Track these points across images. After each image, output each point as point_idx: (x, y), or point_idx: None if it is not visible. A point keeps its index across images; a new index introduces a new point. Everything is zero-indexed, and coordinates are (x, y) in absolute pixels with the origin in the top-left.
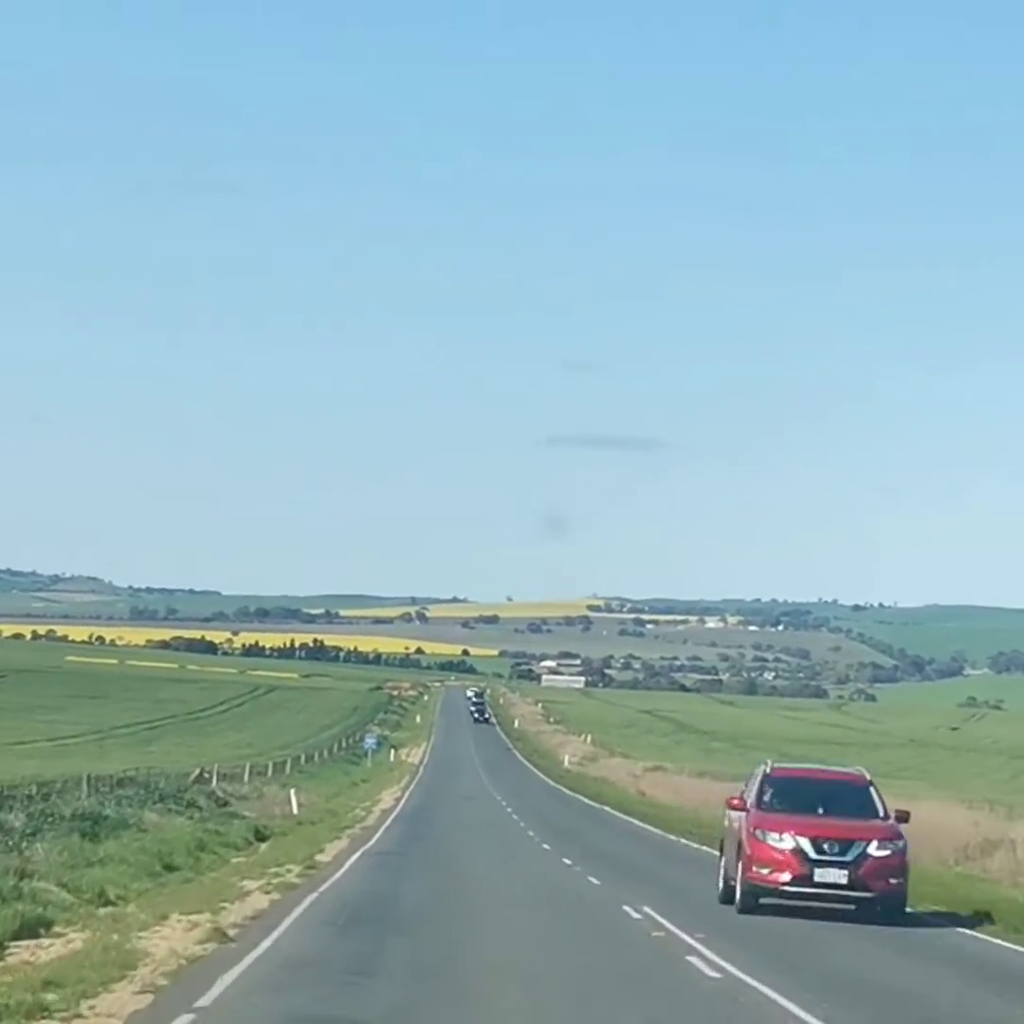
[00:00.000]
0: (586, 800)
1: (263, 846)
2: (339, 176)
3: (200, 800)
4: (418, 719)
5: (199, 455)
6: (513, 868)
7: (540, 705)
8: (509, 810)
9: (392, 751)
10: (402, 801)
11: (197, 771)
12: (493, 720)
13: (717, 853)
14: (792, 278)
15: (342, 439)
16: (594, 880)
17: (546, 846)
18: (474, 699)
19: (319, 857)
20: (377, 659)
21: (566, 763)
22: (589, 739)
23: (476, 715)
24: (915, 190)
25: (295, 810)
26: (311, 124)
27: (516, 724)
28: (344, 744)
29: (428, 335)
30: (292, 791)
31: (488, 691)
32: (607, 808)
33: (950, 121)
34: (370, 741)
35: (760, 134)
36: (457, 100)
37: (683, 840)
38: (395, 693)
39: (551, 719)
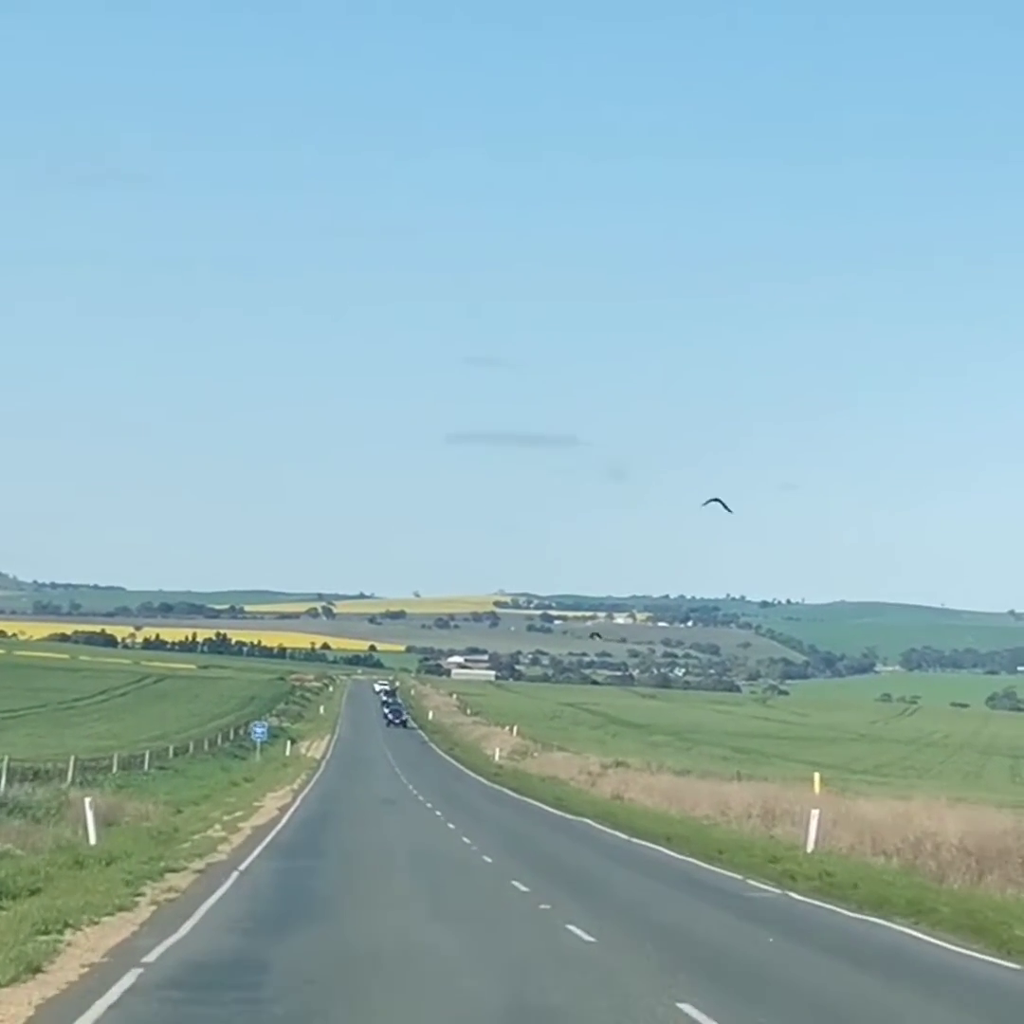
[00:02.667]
0: (547, 808)
1: None
2: (244, 170)
3: None
4: (322, 710)
5: (105, 451)
6: None
7: (454, 696)
8: (451, 826)
9: (289, 744)
10: (291, 809)
11: None
12: (411, 722)
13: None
14: (696, 279)
15: (248, 436)
16: None
17: (583, 934)
18: (385, 696)
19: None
20: (282, 653)
21: (497, 758)
22: (515, 731)
23: (390, 716)
24: (816, 195)
25: (91, 836)
26: (212, 118)
27: (430, 716)
28: (232, 736)
29: (333, 331)
30: (87, 801)
31: (397, 683)
32: (587, 820)
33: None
34: (259, 730)
35: (670, 136)
36: (360, 94)
37: (797, 896)
38: (298, 683)
39: (468, 711)
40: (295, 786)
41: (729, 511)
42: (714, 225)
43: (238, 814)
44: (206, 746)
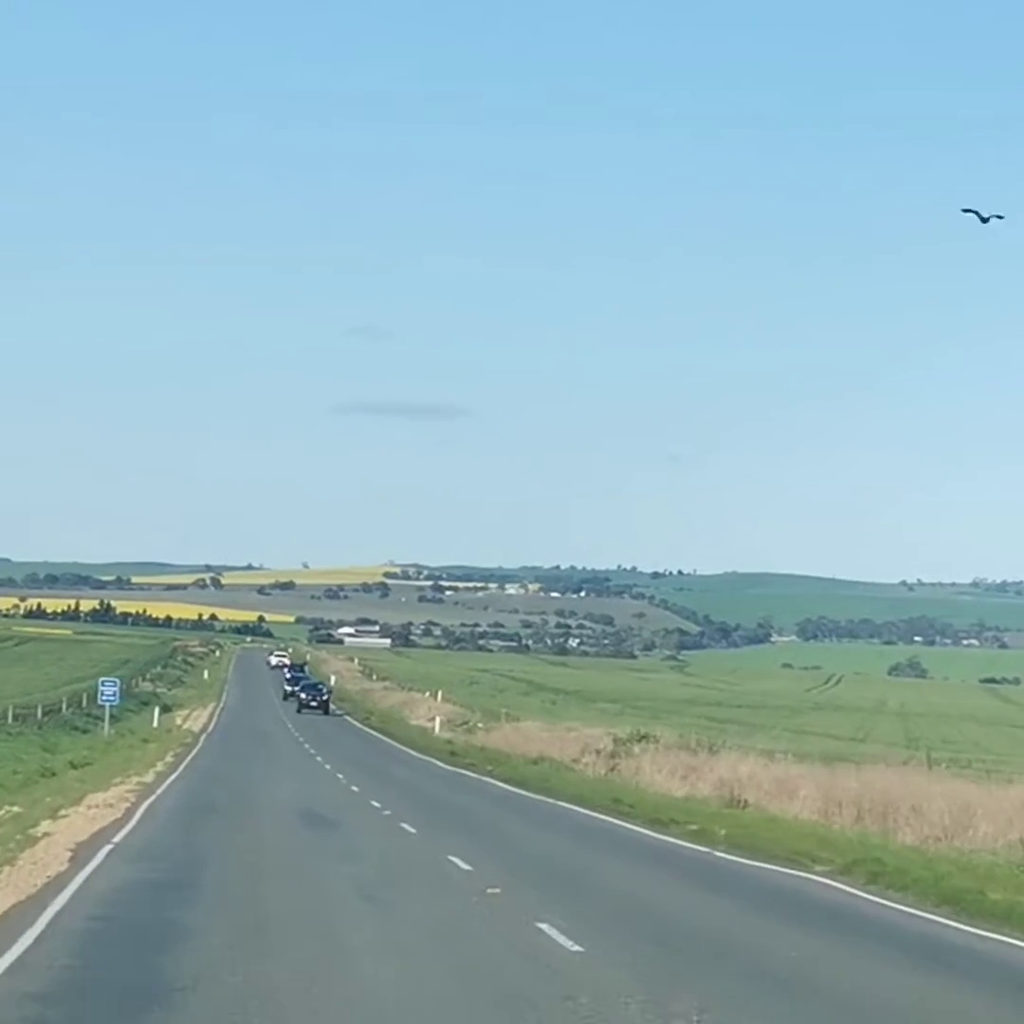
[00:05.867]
0: (638, 828)
1: None
2: (120, 138)
3: None
4: (206, 675)
5: None
6: None
7: (356, 661)
8: (558, 937)
9: (157, 713)
10: (104, 853)
11: None
12: (333, 705)
13: None
14: (579, 251)
15: (135, 406)
16: None
17: None
18: (289, 671)
19: None
20: (168, 623)
21: (437, 730)
22: (439, 697)
23: (303, 697)
24: (698, 170)
25: None
26: (90, 81)
27: (333, 681)
28: (84, 703)
29: (216, 301)
30: None
31: (289, 651)
32: (825, 880)
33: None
34: (108, 691)
35: (537, 103)
36: (231, 60)
37: None
38: (180, 647)
39: (374, 676)
40: (149, 778)
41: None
42: (597, 197)
43: None
44: (40, 714)
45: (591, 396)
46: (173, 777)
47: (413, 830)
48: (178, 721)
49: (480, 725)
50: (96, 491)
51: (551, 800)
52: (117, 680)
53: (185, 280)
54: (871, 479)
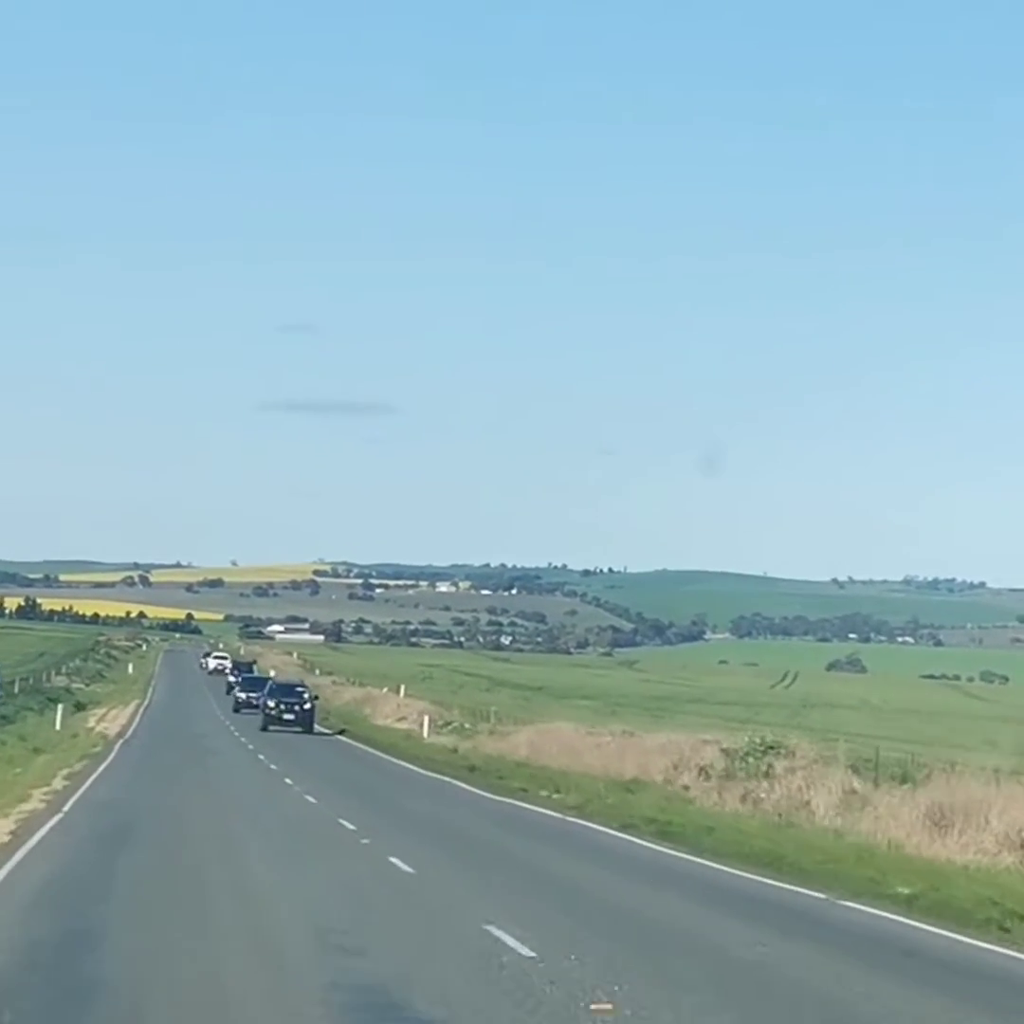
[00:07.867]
0: None
1: None
2: (46, 126)
3: None
4: (131, 669)
5: None
6: None
7: (295, 655)
8: None
9: (61, 711)
10: None
11: None
12: (317, 718)
13: None
14: (508, 245)
15: (62, 403)
16: None
17: None
18: (237, 674)
19: None
20: (96, 620)
21: (425, 735)
22: (402, 692)
23: (271, 704)
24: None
25: None
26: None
27: (273, 675)
28: None
29: (145, 296)
30: None
31: (220, 645)
32: None
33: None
34: None
35: (479, 97)
36: (166, 62)
37: None
38: (104, 640)
39: (318, 672)
40: (8, 828)
41: None
42: (536, 194)
43: None
44: None
45: (521, 392)
46: (49, 826)
47: None
48: (90, 722)
49: (468, 726)
50: (23, 488)
51: (817, 894)
52: None
53: (114, 275)
54: (800, 477)
